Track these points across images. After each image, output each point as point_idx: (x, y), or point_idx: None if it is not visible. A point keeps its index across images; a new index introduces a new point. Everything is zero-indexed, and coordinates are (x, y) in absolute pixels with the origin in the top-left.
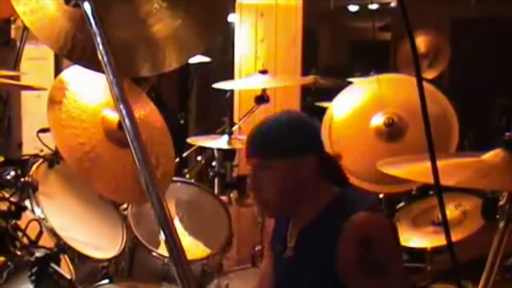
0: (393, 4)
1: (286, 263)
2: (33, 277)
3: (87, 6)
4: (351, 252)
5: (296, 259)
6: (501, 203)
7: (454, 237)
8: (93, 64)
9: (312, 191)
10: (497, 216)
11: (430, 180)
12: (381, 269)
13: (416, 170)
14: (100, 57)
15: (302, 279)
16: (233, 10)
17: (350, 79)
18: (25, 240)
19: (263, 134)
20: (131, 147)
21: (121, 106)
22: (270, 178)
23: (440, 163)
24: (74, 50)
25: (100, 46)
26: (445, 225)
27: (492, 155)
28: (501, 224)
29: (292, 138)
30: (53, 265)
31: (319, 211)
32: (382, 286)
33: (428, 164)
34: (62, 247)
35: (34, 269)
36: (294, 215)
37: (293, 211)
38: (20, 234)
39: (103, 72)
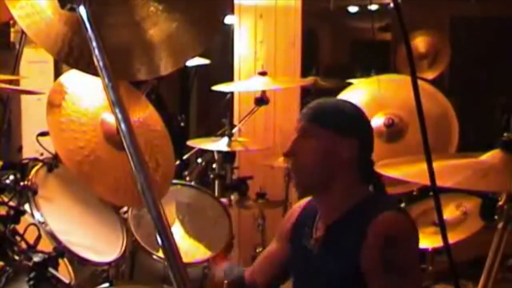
0: (392, 5)
1: (310, 255)
2: (31, 282)
3: (82, 10)
4: (376, 248)
5: (322, 252)
6: (499, 203)
7: (455, 238)
8: (90, 68)
9: (346, 181)
10: (496, 217)
11: (428, 181)
12: (401, 270)
13: (414, 172)
14: (95, 61)
15: (327, 272)
16: (232, 11)
17: (350, 80)
18: (23, 244)
19: (322, 104)
20: (127, 152)
21: (117, 110)
22: (310, 146)
23: (438, 164)
24: (71, 54)
25: (96, 50)
26: (441, 227)
27: (491, 156)
28: (500, 225)
29: (346, 117)
30: (51, 269)
31: (349, 207)
32: (400, 284)
33: (426, 165)
34: (60, 252)
35: (32, 274)
36: (322, 204)
37: (322, 193)
38: (18, 238)
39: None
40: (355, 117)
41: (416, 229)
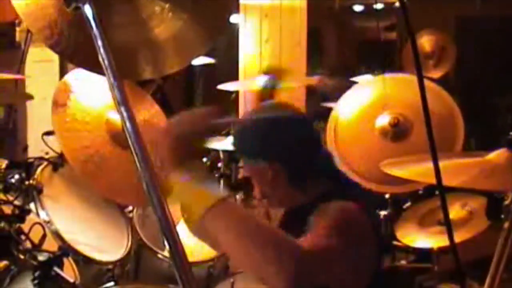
0: (398, 4)
1: None
2: (36, 281)
3: (87, 9)
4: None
5: None
6: (506, 203)
7: (461, 237)
8: (96, 67)
9: (285, 190)
10: (502, 216)
11: (434, 180)
12: (326, 228)
13: (419, 171)
14: (101, 60)
15: None
16: (237, 11)
17: (355, 79)
18: (28, 243)
19: (238, 134)
20: (133, 151)
21: (122, 109)
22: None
23: (444, 164)
24: (77, 53)
25: (101, 49)
26: (447, 226)
27: (496, 155)
28: (506, 224)
29: (255, 145)
30: (56, 268)
31: (304, 203)
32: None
33: (431, 165)
34: (65, 251)
35: (37, 273)
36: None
37: (281, 205)
38: (23, 237)
39: (105, 75)
40: (261, 141)
41: (372, 222)
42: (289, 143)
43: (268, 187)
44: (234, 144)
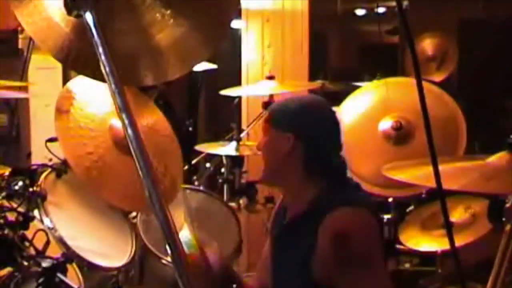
0: (397, 9)
1: (275, 245)
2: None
3: (89, 16)
4: (327, 246)
5: (282, 244)
6: (507, 205)
7: (464, 240)
8: (98, 74)
9: (295, 175)
10: (504, 219)
11: (435, 184)
12: (358, 261)
13: (421, 174)
14: (102, 67)
15: (283, 270)
16: (239, 16)
17: (358, 83)
18: (32, 250)
19: (277, 104)
20: (134, 157)
21: (124, 116)
22: (264, 143)
23: (445, 167)
24: (78, 60)
25: (102, 56)
26: (447, 229)
27: (498, 158)
28: (508, 227)
29: (285, 113)
30: (60, 275)
31: (306, 201)
32: (361, 276)
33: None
34: (69, 257)
35: (41, 280)
36: (286, 198)
37: (278, 184)
38: (27, 244)
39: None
40: (295, 113)
41: (374, 220)
42: (320, 126)
43: (280, 160)
44: (268, 113)
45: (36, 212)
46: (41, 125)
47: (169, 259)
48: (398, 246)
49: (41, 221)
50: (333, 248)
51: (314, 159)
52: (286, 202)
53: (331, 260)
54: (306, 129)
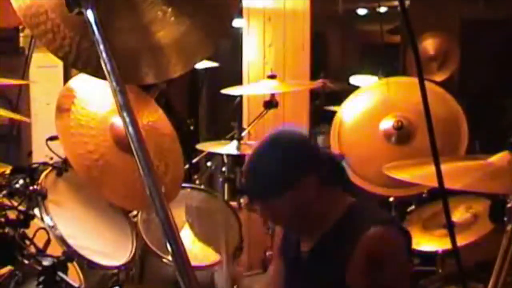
0: (400, 8)
1: (299, 269)
2: (40, 286)
3: (90, 14)
4: (362, 267)
5: (311, 266)
6: (508, 205)
7: (465, 240)
8: (99, 72)
9: (325, 205)
10: (505, 219)
11: (436, 184)
12: (390, 285)
13: (422, 174)
14: (103, 65)
15: (316, 286)
16: (240, 15)
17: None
18: (32, 248)
19: (254, 179)
20: (135, 155)
21: (125, 114)
22: (277, 214)
23: (446, 167)
24: (79, 58)
25: (103, 54)
26: (449, 229)
27: (499, 158)
28: (509, 227)
29: (282, 173)
30: (60, 273)
31: (336, 220)
32: None
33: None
34: (69, 256)
35: (42, 278)
36: (314, 227)
37: (312, 226)
38: (27, 242)
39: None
40: (293, 161)
41: (406, 236)
42: (307, 155)
43: (304, 210)
44: (253, 194)
45: (36, 211)
46: (42, 124)
47: (169, 257)
48: None
49: (42, 219)
50: (367, 271)
51: (329, 177)
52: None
53: (362, 281)
54: (310, 162)
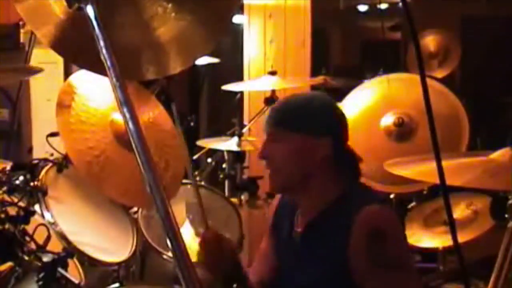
0: (401, 4)
1: (294, 248)
2: (40, 282)
3: (90, 10)
4: (364, 244)
5: (305, 250)
6: (510, 202)
7: (466, 237)
8: (99, 68)
9: (323, 178)
10: (506, 216)
11: (438, 180)
12: (394, 262)
13: (423, 170)
14: (103, 61)
15: (312, 270)
16: (241, 11)
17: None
18: (33, 245)
19: (289, 106)
20: (135, 151)
21: (125, 110)
22: (283, 150)
23: (447, 163)
24: (80, 54)
25: (104, 50)
26: (451, 226)
27: (500, 155)
28: (510, 224)
29: (316, 116)
30: (60, 270)
31: (328, 203)
32: (396, 278)
33: (435, 164)
34: (70, 252)
35: (42, 274)
36: (301, 202)
37: (299, 192)
38: (28, 239)
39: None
40: (325, 114)
41: (399, 221)
42: (340, 121)
43: (311, 167)
44: (279, 118)
45: (37, 207)
46: (42, 120)
47: (170, 254)
48: None
49: (42, 215)
50: (370, 247)
51: (343, 157)
52: (298, 204)
53: (364, 259)
54: (338, 127)
